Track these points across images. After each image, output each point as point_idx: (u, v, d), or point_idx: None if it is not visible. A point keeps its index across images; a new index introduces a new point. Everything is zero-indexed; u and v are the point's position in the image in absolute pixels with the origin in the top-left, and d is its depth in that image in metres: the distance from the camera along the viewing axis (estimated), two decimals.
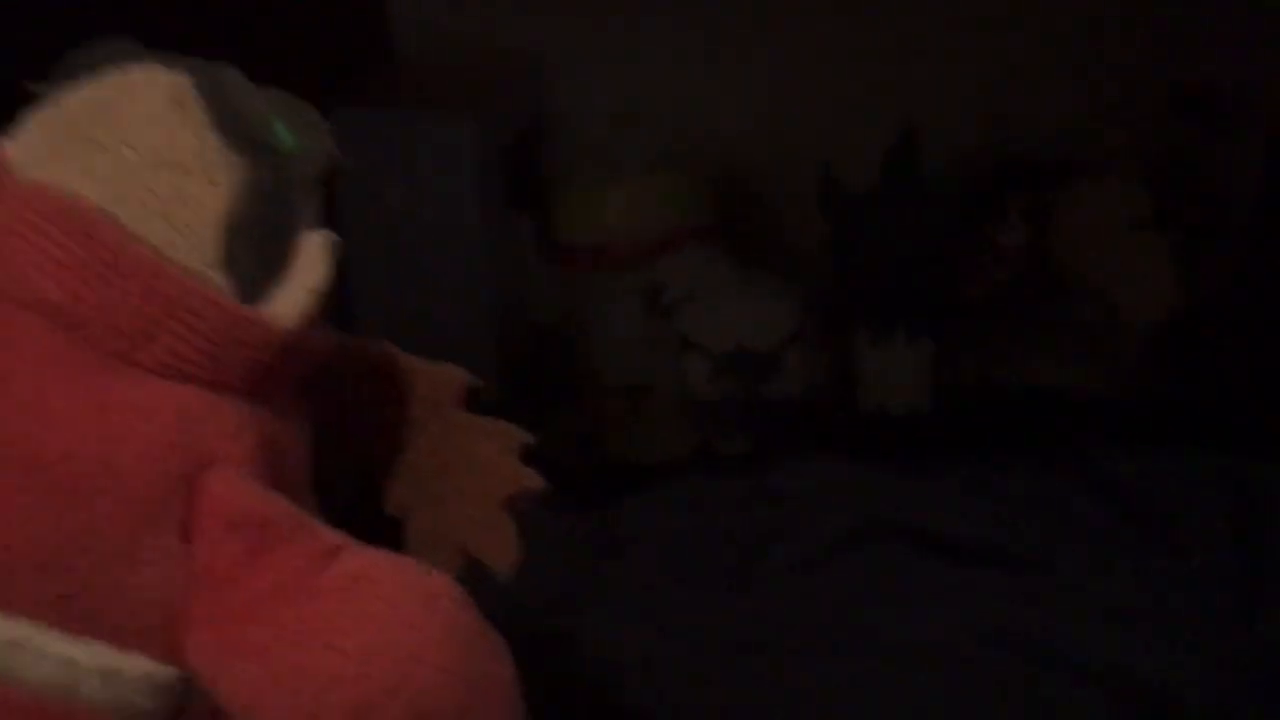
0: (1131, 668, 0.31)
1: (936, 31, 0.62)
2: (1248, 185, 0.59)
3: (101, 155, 0.13)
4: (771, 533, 0.38)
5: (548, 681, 0.32)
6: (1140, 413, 0.55)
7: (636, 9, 0.63)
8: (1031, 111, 0.61)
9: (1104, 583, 0.37)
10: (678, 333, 0.54)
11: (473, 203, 0.57)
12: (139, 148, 0.13)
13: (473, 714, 0.14)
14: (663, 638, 0.31)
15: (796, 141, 0.62)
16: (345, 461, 0.19)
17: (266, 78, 0.53)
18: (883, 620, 0.31)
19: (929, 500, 0.39)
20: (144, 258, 0.13)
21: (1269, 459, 0.44)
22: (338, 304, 0.19)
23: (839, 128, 0.62)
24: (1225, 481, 0.43)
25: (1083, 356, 0.59)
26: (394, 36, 0.63)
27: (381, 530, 0.21)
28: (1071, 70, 0.60)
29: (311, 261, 0.15)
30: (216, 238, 0.14)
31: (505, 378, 0.61)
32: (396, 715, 0.13)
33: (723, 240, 0.58)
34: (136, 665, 0.13)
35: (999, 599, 0.32)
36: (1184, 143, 0.57)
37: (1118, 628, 0.33)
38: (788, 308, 0.53)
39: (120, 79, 0.14)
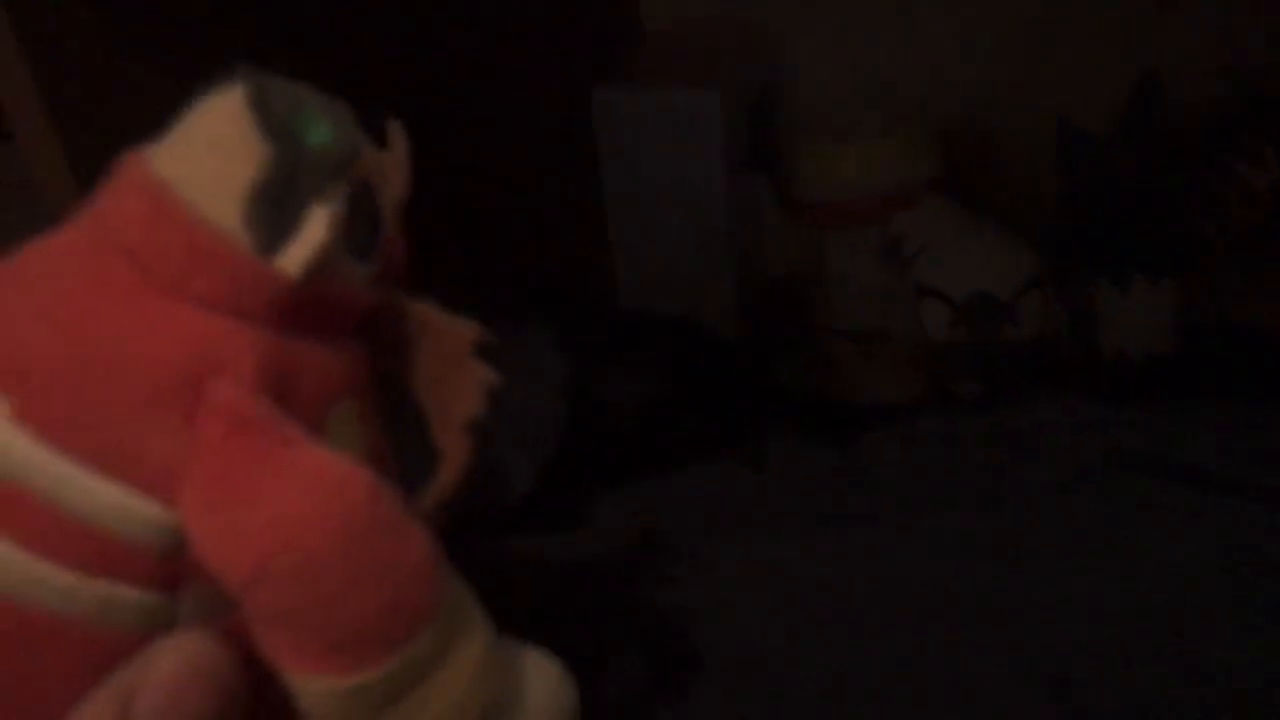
0: None
1: None
2: None
3: (180, 143, 0.19)
4: (1017, 463, 0.40)
5: (805, 583, 0.36)
6: None
7: None
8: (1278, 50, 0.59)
9: None
10: (915, 281, 0.56)
11: (718, 167, 0.62)
12: (201, 139, 0.18)
13: (359, 578, 0.17)
14: (915, 547, 0.35)
15: (1030, 91, 0.63)
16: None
17: (537, 65, 0.59)
18: (1135, 540, 0.32)
19: (1174, 433, 0.39)
20: (189, 218, 0.18)
21: None
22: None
23: (1072, 76, 0.62)
24: None
25: None
26: (643, 18, 0.69)
27: None
28: None
29: (314, 228, 0.18)
30: (243, 206, 0.18)
31: (745, 324, 0.67)
32: (291, 566, 0.16)
33: (957, 191, 0.60)
34: (147, 507, 0.17)
35: (1251, 526, 0.33)
36: None
37: None
38: (1025, 254, 0.54)
39: (214, 95, 0.19)
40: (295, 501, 0.17)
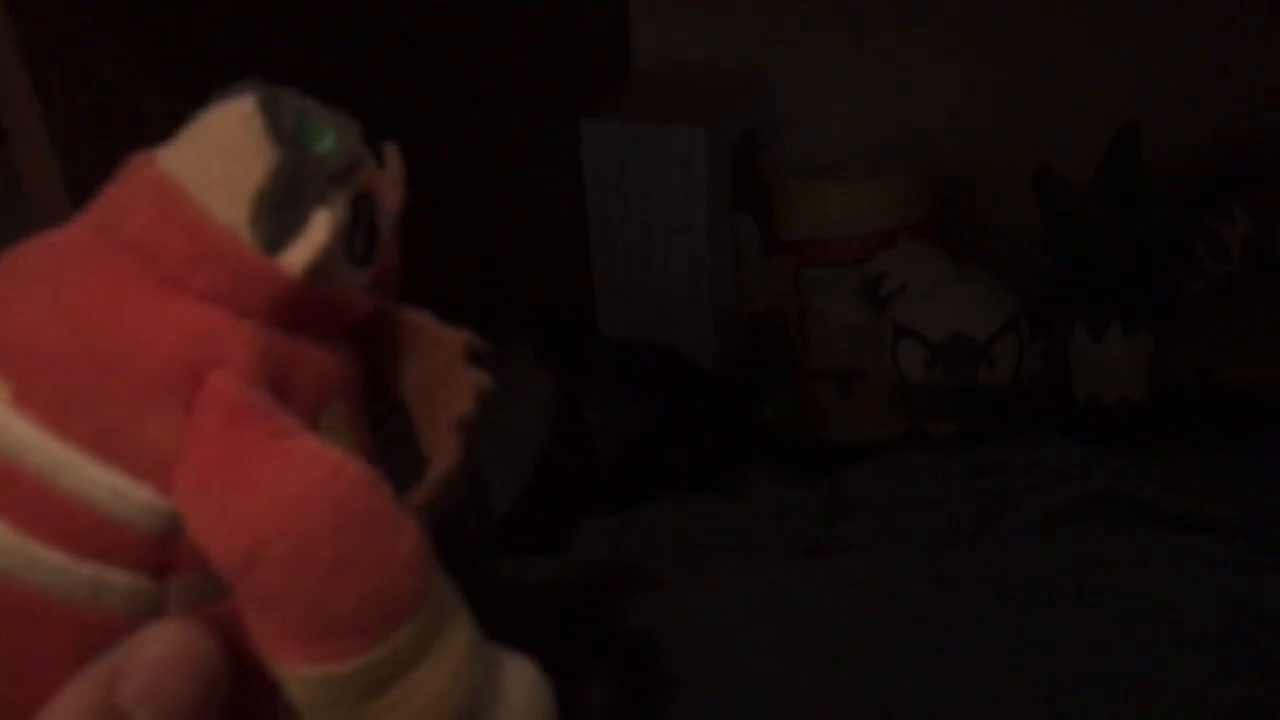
0: None
1: (1158, 26, 0.62)
2: None
3: (190, 145, 0.19)
4: (1001, 500, 0.40)
5: (791, 610, 0.36)
6: None
7: (851, 18, 0.67)
8: (1257, 107, 0.61)
9: None
10: (892, 321, 0.57)
11: (703, 204, 0.63)
12: (212, 141, 0.19)
13: (349, 566, 0.17)
14: (902, 577, 0.34)
15: (1014, 138, 0.65)
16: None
17: (526, 96, 0.60)
18: (1121, 579, 0.32)
19: (1156, 477, 0.40)
20: (195, 215, 0.18)
21: None
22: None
23: (1055, 125, 0.64)
24: None
25: None
26: (633, 55, 0.70)
27: None
28: None
29: (316, 230, 0.19)
30: (250, 207, 0.19)
31: (725, 360, 0.67)
32: (284, 551, 0.17)
33: (938, 235, 0.61)
34: (142, 492, 0.17)
35: (1234, 569, 0.33)
36: None
37: None
38: (1003, 298, 0.55)
39: (225, 101, 0.19)
40: (289, 488, 0.17)
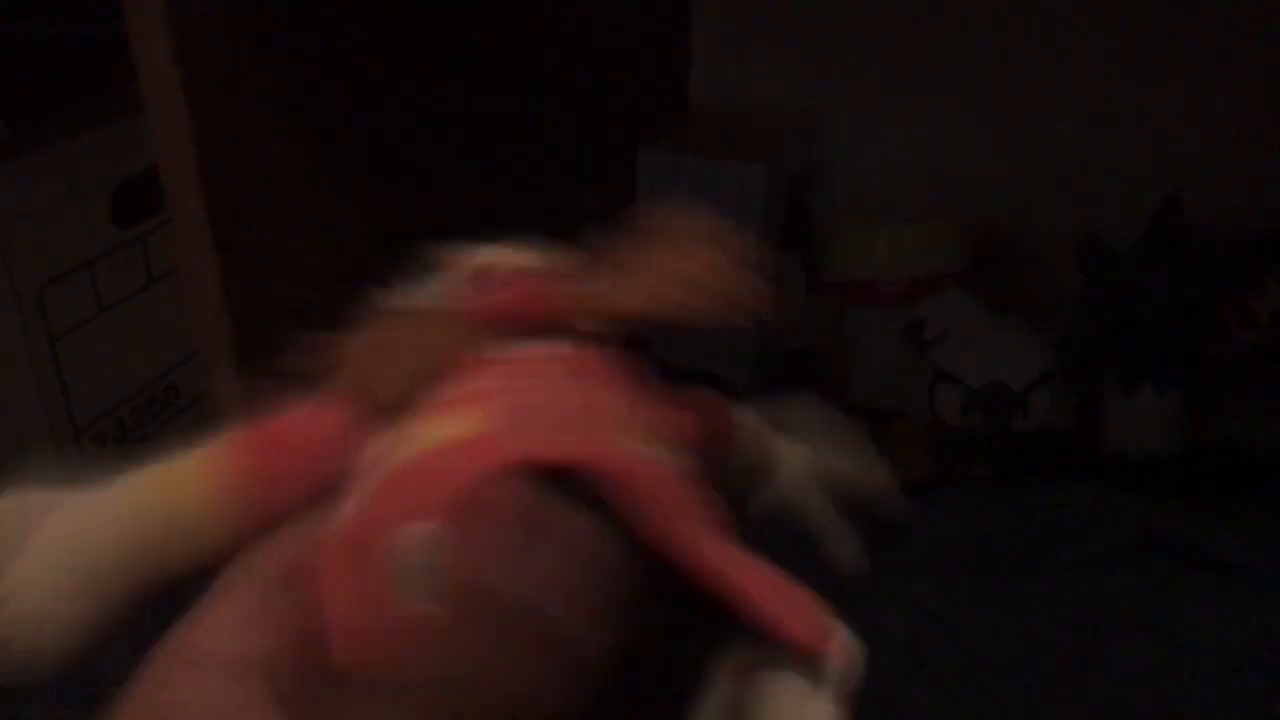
0: None
1: (1205, 98, 0.64)
2: None
3: None
4: (1046, 539, 0.42)
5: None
6: None
7: (905, 70, 0.69)
8: None
9: None
10: (932, 365, 0.59)
11: (756, 239, 0.65)
12: None
13: None
14: (953, 599, 0.36)
15: (1056, 198, 0.67)
16: None
17: (585, 125, 0.62)
18: (1168, 619, 0.34)
19: (1186, 522, 0.42)
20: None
21: None
22: None
23: (1098, 189, 0.66)
24: None
25: None
26: (690, 92, 0.72)
27: None
28: None
29: None
30: None
31: (763, 394, 0.68)
32: None
33: (979, 285, 0.63)
34: None
35: (1273, 613, 0.35)
36: None
37: None
38: (1040, 350, 0.57)
39: None
40: None
